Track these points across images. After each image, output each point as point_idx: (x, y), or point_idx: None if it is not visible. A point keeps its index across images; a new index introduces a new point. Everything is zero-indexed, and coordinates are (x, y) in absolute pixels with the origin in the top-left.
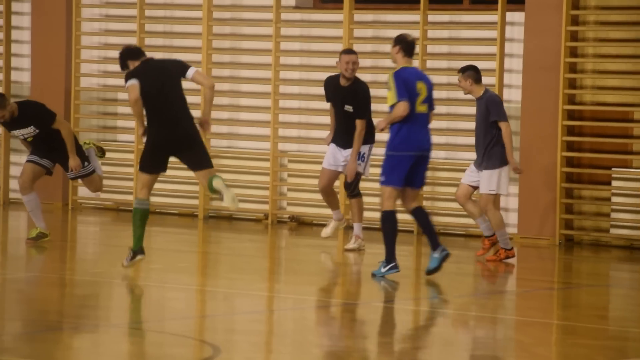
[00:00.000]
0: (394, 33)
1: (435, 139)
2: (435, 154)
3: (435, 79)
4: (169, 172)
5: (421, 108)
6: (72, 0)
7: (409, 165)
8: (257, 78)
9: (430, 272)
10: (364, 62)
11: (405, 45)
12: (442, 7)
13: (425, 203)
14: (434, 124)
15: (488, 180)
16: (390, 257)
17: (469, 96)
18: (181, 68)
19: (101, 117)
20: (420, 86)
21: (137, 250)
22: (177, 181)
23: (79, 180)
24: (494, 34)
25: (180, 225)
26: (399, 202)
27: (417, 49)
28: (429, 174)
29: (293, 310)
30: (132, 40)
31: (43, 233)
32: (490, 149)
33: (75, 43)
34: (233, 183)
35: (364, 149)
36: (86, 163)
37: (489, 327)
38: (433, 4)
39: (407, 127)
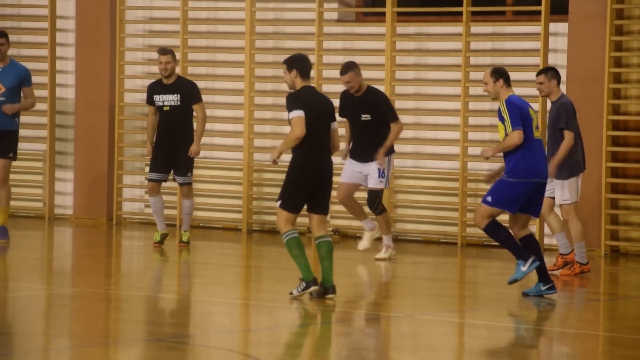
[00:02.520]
0: (436, 45)
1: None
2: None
3: (477, 90)
4: (211, 186)
5: (537, 134)
6: (116, 17)
7: (527, 195)
8: None
9: (511, 282)
10: (406, 74)
11: (507, 76)
12: (484, 18)
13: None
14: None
15: (558, 190)
16: (523, 254)
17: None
18: (333, 111)
19: (145, 132)
20: (532, 111)
21: (310, 281)
22: (221, 195)
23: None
24: (537, 44)
25: (224, 239)
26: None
27: (460, 60)
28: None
29: (337, 324)
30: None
31: (165, 234)
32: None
33: (119, 59)
34: (270, 197)
35: (383, 163)
36: (189, 174)
37: (535, 339)
38: (476, 15)
39: (527, 153)
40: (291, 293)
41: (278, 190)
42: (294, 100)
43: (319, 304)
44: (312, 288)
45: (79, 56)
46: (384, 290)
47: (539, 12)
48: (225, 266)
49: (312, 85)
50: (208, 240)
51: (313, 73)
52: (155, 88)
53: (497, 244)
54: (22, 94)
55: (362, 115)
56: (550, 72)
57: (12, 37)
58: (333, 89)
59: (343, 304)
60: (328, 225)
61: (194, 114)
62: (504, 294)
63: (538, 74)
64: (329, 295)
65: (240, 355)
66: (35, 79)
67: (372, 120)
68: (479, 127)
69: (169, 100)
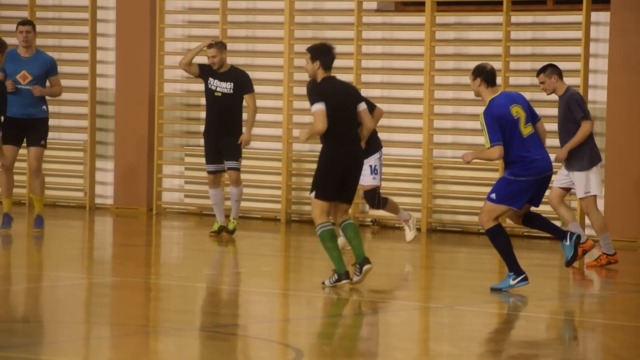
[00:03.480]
0: (476, 35)
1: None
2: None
3: (518, 80)
4: (250, 176)
5: (527, 130)
6: (156, 7)
7: (532, 190)
8: None
9: (568, 263)
10: (446, 64)
11: (486, 75)
12: (525, 7)
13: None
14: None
15: (579, 183)
16: (516, 269)
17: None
18: (358, 96)
19: (184, 123)
20: (516, 109)
21: (343, 274)
22: (260, 185)
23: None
24: (578, 34)
25: (263, 229)
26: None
27: (500, 50)
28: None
29: (375, 314)
30: None
31: (223, 227)
32: (576, 149)
33: (159, 49)
34: (309, 187)
35: (373, 160)
36: (239, 159)
37: (575, 331)
38: (516, 4)
39: (521, 156)
40: (323, 283)
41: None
42: (315, 93)
43: (356, 294)
44: (344, 281)
45: (119, 47)
46: (422, 280)
47: (580, 1)
48: (264, 256)
49: (334, 75)
50: (247, 231)
51: (352, 63)
52: (211, 71)
53: (537, 234)
54: (48, 83)
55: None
56: (548, 69)
57: (54, 28)
58: (372, 79)
59: (381, 294)
60: (367, 215)
61: (244, 103)
62: (542, 285)
63: (537, 74)
64: (366, 267)
65: (279, 345)
66: (75, 69)
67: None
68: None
69: (222, 87)
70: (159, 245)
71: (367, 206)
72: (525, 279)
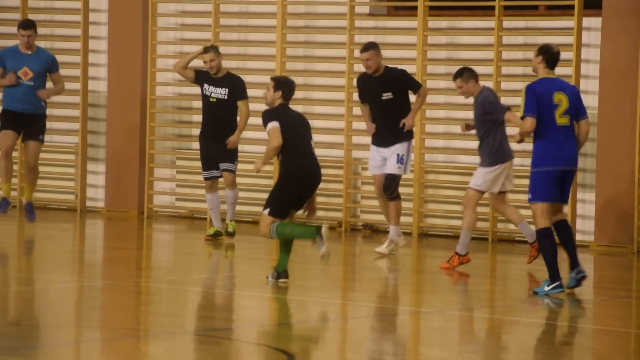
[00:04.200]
0: (468, 40)
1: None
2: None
3: (510, 85)
4: (244, 180)
5: (562, 120)
6: (148, 10)
7: (555, 181)
8: (331, 85)
9: (571, 287)
10: (437, 69)
11: (549, 56)
12: (517, 12)
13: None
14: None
15: (475, 174)
16: (553, 275)
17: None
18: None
19: (176, 126)
20: (560, 97)
21: (282, 272)
22: (252, 189)
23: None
24: (570, 39)
25: (255, 233)
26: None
27: (492, 55)
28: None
29: (367, 318)
30: None
31: (219, 232)
32: (484, 146)
33: (151, 52)
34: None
35: (402, 149)
36: (235, 162)
37: (566, 336)
38: (508, 9)
39: (547, 141)
40: (267, 277)
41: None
42: (269, 115)
43: (348, 299)
44: (281, 280)
45: (111, 49)
46: (413, 285)
47: (572, 7)
48: (255, 260)
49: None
50: (239, 234)
51: (344, 67)
52: (206, 76)
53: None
54: (50, 80)
55: (383, 95)
56: (465, 73)
57: (46, 30)
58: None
59: (373, 299)
60: (358, 220)
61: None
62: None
63: (454, 78)
64: (322, 231)
65: (270, 350)
66: (67, 71)
67: (394, 98)
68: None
69: (217, 92)
70: (150, 248)
71: (358, 210)
72: (560, 286)
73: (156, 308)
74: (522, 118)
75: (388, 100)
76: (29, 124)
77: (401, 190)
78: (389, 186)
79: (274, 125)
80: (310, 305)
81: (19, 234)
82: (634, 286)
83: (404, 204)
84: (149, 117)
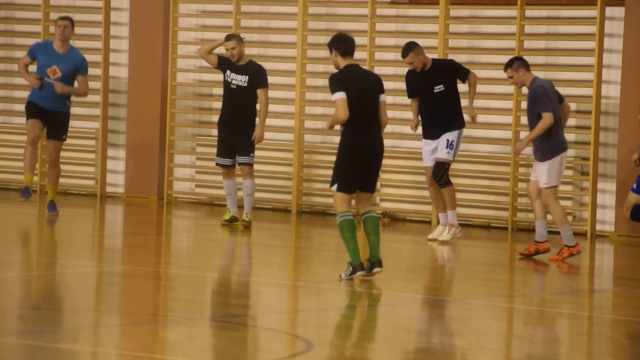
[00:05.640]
0: (490, 29)
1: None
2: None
3: None
4: (262, 167)
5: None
6: None
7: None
8: None
9: None
10: (459, 57)
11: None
12: (540, 1)
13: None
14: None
15: (540, 173)
16: None
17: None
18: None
19: (197, 112)
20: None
21: (357, 266)
22: (271, 176)
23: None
24: (592, 29)
25: (273, 220)
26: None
27: (514, 44)
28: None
29: (385, 306)
30: None
31: (235, 217)
32: (539, 139)
33: (172, 39)
34: (321, 179)
35: (452, 136)
36: (251, 154)
37: (585, 326)
38: None
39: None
40: (340, 277)
41: (328, 171)
42: (335, 82)
43: (367, 287)
44: (359, 273)
45: (133, 35)
46: (432, 273)
47: None
48: (274, 247)
49: (356, 63)
50: (258, 221)
51: (365, 55)
52: (229, 63)
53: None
54: (75, 82)
55: (435, 88)
56: (514, 63)
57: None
58: (385, 71)
59: (391, 286)
60: (378, 208)
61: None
62: (553, 279)
63: (504, 69)
64: (375, 269)
65: (289, 336)
66: (88, 57)
67: (445, 89)
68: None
69: (238, 79)
70: (170, 234)
71: (378, 198)
72: None
73: (175, 294)
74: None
75: (439, 92)
76: (53, 122)
77: (415, 178)
78: (438, 172)
79: (340, 96)
80: (329, 292)
81: (39, 220)
82: None
83: (420, 192)
84: (169, 104)
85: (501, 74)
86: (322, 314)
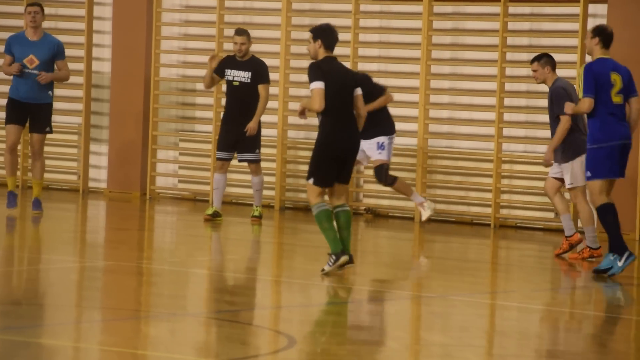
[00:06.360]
0: (473, 25)
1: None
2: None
3: (514, 71)
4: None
5: (617, 99)
6: None
7: (616, 155)
8: None
9: (597, 271)
10: (443, 54)
11: (605, 36)
12: None
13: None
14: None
15: (565, 174)
16: (622, 248)
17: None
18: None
19: (180, 108)
20: (615, 77)
21: (339, 252)
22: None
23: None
24: (575, 26)
25: (265, 216)
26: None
27: (497, 41)
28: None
29: (368, 302)
30: (212, 32)
31: (217, 212)
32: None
33: (156, 34)
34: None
35: (383, 138)
36: (257, 151)
37: (566, 322)
38: None
39: (604, 118)
40: (323, 270)
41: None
42: (316, 70)
43: (349, 283)
44: (342, 259)
45: (116, 30)
46: (415, 270)
47: None
48: (257, 243)
49: (335, 57)
50: (241, 217)
51: (349, 51)
52: (229, 62)
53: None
54: (55, 67)
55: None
56: (543, 59)
57: (50, 10)
58: (369, 67)
59: (374, 283)
60: (360, 204)
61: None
62: (536, 276)
63: (532, 61)
64: (348, 265)
65: (271, 332)
66: (71, 52)
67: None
68: (515, 108)
69: (240, 76)
70: (152, 230)
71: (361, 194)
72: (631, 255)
73: (158, 289)
74: (581, 98)
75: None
76: (35, 114)
77: (404, 175)
78: (380, 175)
79: (318, 86)
80: (312, 288)
81: (22, 215)
82: (635, 273)
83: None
84: (152, 99)
85: (484, 70)
86: (305, 310)
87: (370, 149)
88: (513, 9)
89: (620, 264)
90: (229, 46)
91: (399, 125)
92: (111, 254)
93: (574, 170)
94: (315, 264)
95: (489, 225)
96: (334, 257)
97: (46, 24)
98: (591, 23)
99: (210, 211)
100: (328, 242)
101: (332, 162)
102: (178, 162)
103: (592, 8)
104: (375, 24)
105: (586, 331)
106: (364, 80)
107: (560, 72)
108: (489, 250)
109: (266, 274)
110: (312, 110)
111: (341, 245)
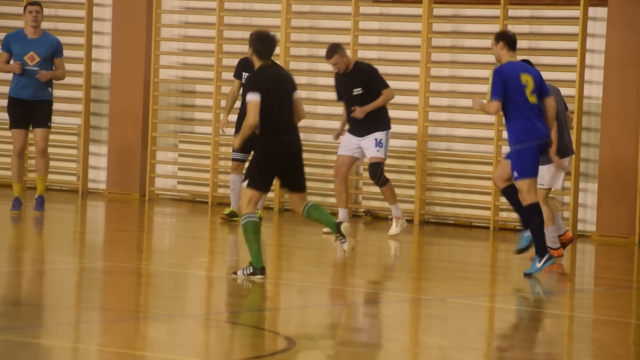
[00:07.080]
0: (473, 28)
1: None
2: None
3: None
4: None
5: (532, 98)
6: None
7: (537, 154)
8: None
9: (519, 251)
10: (442, 56)
11: (508, 39)
12: (523, 1)
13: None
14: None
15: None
16: (543, 250)
17: None
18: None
19: (179, 109)
20: (526, 78)
21: (258, 269)
22: None
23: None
24: (575, 29)
25: (264, 218)
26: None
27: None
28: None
29: (367, 305)
30: (212, 34)
31: (234, 212)
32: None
33: (155, 35)
34: (314, 177)
35: (381, 135)
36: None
37: (566, 325)
38: None
39: (525, 118)
40: (235, 273)
41: (309, 169)
42: (252, 83)
43: (348, 285)
44: (258, 276)
45: (115, 31)
46: (414, 272)
47: None
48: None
49: (272, 63)
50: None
51: (348, 53)
52: (246, 65)
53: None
54: (53, 65)
55: (354, 90)
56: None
57: (50, 11)
58: None
59: (373, 285)
60: (360, 206)
61: None
62: (535, 279)
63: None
64: (343, 226)
65: (269, 334)
66: (71, 53)
67: (364, 93)
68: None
69: None
70: (151, 231)
71: (360, 197)
72: (550, 257)
73: (156, 290)
74: (489, 101)
75: (358, 95)
76: (37, 111)
77: (403, 177)
78: (374, 173)
79: (253, 98)
80: (311, 290)
81: (23, 216)
82: (635, 277)
83: (406, 191)
84: (152, 100)
85: (483, 72)
86: (304, 312)
87: (368, 146)
88: (513, 11)
89: (539, 265)
90: (228, 47)
91: (398, 128)
92: (110, 255)
93: (545, 172)
94: (314, 266)
95: (488, 227)
96: (251, 269)
97: (46, 25)
98: (591, 26)
99: (227, 210)
100: (251, 255)
101: (270, 167)
102: (177, 163)
103: (592, 11)
104: (374, 26)
105: (586, 334)
106: (369, 72)
107: (561, 75)
108: (487, 252)
109: (265, 275)
110: (248, 126)
111: (262, 261)
